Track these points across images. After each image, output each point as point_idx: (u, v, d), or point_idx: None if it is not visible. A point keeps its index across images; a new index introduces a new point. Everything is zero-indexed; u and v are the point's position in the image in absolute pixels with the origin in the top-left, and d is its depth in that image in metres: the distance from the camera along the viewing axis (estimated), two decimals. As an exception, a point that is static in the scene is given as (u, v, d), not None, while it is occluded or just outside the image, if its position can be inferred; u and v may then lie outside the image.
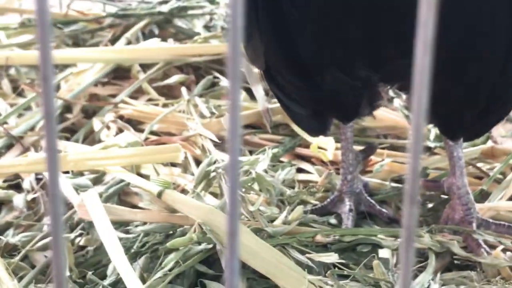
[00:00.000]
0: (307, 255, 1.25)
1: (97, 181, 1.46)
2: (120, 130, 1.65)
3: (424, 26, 0.39)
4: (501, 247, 1.29)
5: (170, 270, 1.21)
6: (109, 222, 1.27)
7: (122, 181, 1.43)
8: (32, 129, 1.64)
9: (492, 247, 1.31)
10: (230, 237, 0.45)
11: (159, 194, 1.35)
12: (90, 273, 1.25)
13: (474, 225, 1.35)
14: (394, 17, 1.12)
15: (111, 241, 1.24)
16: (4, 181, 1.48)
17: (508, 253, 1.29)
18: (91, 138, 1.65)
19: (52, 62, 0.42)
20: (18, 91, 1.79)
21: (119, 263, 1.21)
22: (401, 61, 1.19)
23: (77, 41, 1.96)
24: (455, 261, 1.29)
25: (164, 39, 1.95)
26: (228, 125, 0.42)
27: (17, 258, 1.29)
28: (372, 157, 1.52)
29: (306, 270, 1.22)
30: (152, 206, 1.36)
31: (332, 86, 1.28)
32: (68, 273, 1.25)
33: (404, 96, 1.63)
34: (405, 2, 1.03)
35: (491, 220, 1.38)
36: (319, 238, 1.29)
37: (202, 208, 1.29)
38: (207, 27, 2.00)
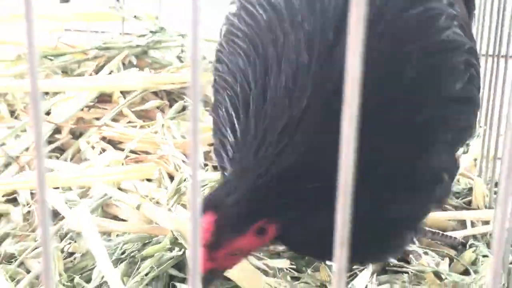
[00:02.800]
0: (263, 261, 1.27)
1: (83, 195, 1.47)
2: (103, 149, 1.66)
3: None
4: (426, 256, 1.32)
5: (146, 274, 1.23)
6: (97, 232, 1.29)
7: (105, 195, 1.44)
8: (27, 149, 1.63)
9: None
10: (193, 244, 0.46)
11: (138, 207, 1.37)
12: (77, 277, 1.26)
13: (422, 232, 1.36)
14: None
15: (98, 249, 1.25)
16: (3, 196, 1.47)
17: (429, 257, 1.32)
18: (78, 157, 1.65)
19: (40, 92, 0.43)
20: (15, 115, 1.79)
21: (105, 267, 1.22)
22: None
23: (65, 71, 1.95)
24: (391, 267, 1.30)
25: (141, 68, 1.95)
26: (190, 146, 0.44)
27: (14, 265, 1.30)
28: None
29: (263, 273, 1.24)
30: (131, 217, 1.37)
31: None
32: (58, 277, 1.25)
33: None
34: None
35: (427, 228, 1.39)
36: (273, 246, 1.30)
37: (174, 218, 1.30)
38: (179, 58, 2.00)
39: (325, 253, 1.14)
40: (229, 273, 1.22)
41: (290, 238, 1.07)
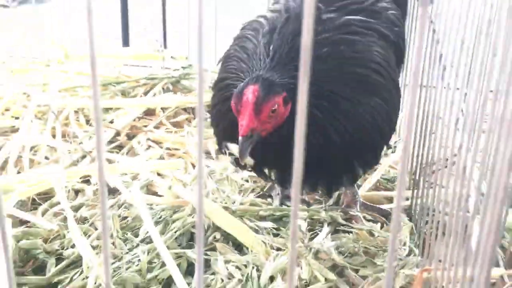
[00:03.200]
0: (254, 223, 1.29)
1: (134, 178, 1.49)
2: (148, 147, 1.68)
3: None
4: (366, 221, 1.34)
5: (175, 232, 1.25)
6: (144, 203, 1.31)
7: (148, 178, 1.46)
8: (88, 153, 1.65)
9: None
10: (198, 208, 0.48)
11: (170, 187, 1.40)
12: (129, 233, 1.29)
13: (358, 204, 1.38)
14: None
15: (144, 215, 1.28)
16: (80, 178, 1.49)
17: (365, 221, 1.34)
18: (131, 152, 1.66)
19: (101, 108, 0.44)
20: (89, 123, 1.80)
21: (149, 227, 1.25)
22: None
23: (124, 93, 1.96)
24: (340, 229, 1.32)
25: (175, 92, 1.95)
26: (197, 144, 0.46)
27: (87, 224, 1.32)
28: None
29: (254, 231, 1.26)
30: (166, 194, 1.39)
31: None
32: (115, 233, 1.27)
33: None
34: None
35: (368, 203, 1.42)
36: (261, 213, 1.32)
37: (194, 195, 1.32)
38: (201, 85, 2.00)
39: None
40: (231, 230, 1.25)
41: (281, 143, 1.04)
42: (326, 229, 1.29)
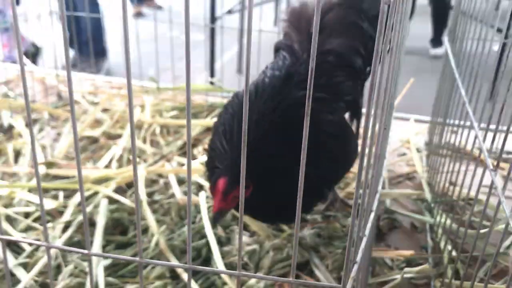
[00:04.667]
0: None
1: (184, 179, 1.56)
2: (202, 154, 1.72)
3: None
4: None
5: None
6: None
7: (197, 182, 1.52)
8: (163, 156, 1.73)
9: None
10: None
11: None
12: (182, 211, 1.35)
13: (338, 201, 1.39)
14: None
15: (202, 200, 1.35)
16: (157, 173, 1.56)
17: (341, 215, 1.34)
18: (193, 157, 1.70)
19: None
20: (169, 134, 1.85)
21: (204, 213, 1.30)
22: None
23: (194, 116, 2.00)
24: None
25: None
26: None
27: (157, 204, 1.41)
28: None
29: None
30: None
31: None
32: (173, 214, 1.34)
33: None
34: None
35: (345, 200, 1.42)
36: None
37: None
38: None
39: (268, 219, 1.09)
40: (245, 220, 1.27)
41: (253, 201, 0.92)
42: (308, 221, 1.34)
